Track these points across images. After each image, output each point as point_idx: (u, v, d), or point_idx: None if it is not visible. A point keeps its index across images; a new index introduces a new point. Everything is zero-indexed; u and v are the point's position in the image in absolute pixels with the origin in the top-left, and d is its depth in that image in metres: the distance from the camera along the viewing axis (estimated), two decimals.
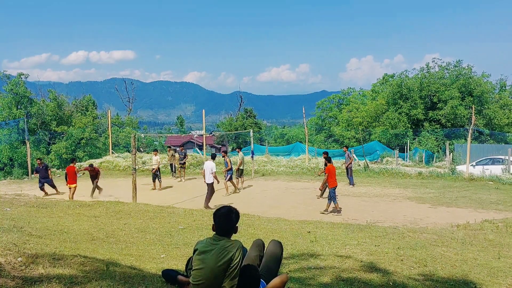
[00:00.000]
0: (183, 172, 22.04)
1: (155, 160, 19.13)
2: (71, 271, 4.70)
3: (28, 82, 42.38)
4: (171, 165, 23.04)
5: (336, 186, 13.04)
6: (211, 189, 14.13)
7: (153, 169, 18.79)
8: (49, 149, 39.30)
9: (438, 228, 9.93)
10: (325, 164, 13.30)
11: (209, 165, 14.24)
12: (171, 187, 19.68)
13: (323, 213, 12.80)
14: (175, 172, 22.72)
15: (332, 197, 12.90)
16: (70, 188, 15.76)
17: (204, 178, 14.32)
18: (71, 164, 16.49)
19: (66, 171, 16.54)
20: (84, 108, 45.72)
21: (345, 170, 19.21)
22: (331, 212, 12.97)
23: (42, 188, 17.31)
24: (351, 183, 18.64)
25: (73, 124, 41.92)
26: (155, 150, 20.69)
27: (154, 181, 18.92)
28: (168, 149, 24.23)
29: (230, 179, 17.13)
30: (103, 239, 7.93)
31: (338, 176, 13.62)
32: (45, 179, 17.57)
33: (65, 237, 7.64)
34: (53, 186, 17.80)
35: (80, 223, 9.46)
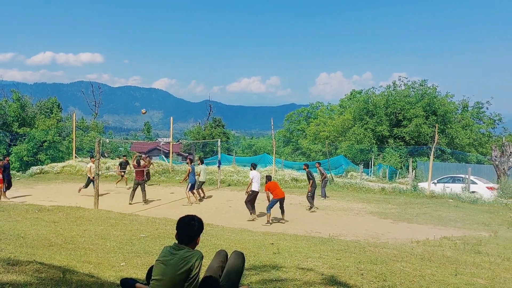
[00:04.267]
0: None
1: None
2: (26, 278, 4.56)
3: None
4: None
5: (280, 198, 13.48)
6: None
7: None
8: (10, 151, 38.15)
9: (399, 243, 10.10)
10: (266, 182, 13.97)
11: (256, 174, 14.49)
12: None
13: (265, 225, 13.01)
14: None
15: (268, 206, 13.38)
16: None
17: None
18: None
19: None
20: (48, 110, 44.66)
21: (321, 183, 19.68)
22: (272, 221, 13.46)
23: None
24: (323, 195, 19.06)
25: (36, 126, 40.83)
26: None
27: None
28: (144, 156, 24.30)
29: (191, 189, 16.94)
30: (61, 245, 7.73)
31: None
32: None
33: (21, 242, 7.42)
34: None
35: (38, 228, 9.20)
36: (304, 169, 17.54)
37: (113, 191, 20.18)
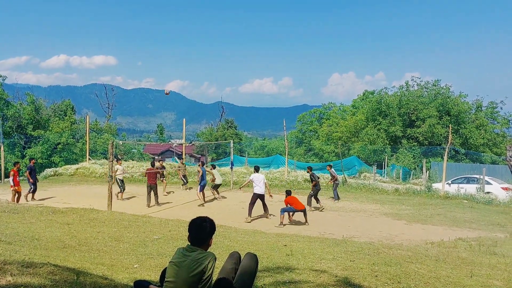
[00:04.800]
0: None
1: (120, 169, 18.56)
2: (40, 280, 4.58)
3: (5, 84, 41.62)
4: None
5: (298, 210, 13.53)
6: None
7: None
8: (24, 153, 38.52)
9: (413, 245, 10.00)
10: (286, 196, 14.14)
11: (261, 177, 14.49)
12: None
13: (278, 226, 13.03)
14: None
15: (283, 209, 13.55)
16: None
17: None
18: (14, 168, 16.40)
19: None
20: (62, 112, 45.02)
21: (332, 186, 19.79)
22: (286, 224, 13.46)
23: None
24: (336, 197, 19.06)
25: (50, 128, 41.18)
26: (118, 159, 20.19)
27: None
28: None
29: (201, 190, 17.04)
30: (75, 247, 7.78)
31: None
32: None
33: (35, 244, 7.48)
34: None
35: (52, 230, 9.27)
36: (308, 172, 17.72)
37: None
